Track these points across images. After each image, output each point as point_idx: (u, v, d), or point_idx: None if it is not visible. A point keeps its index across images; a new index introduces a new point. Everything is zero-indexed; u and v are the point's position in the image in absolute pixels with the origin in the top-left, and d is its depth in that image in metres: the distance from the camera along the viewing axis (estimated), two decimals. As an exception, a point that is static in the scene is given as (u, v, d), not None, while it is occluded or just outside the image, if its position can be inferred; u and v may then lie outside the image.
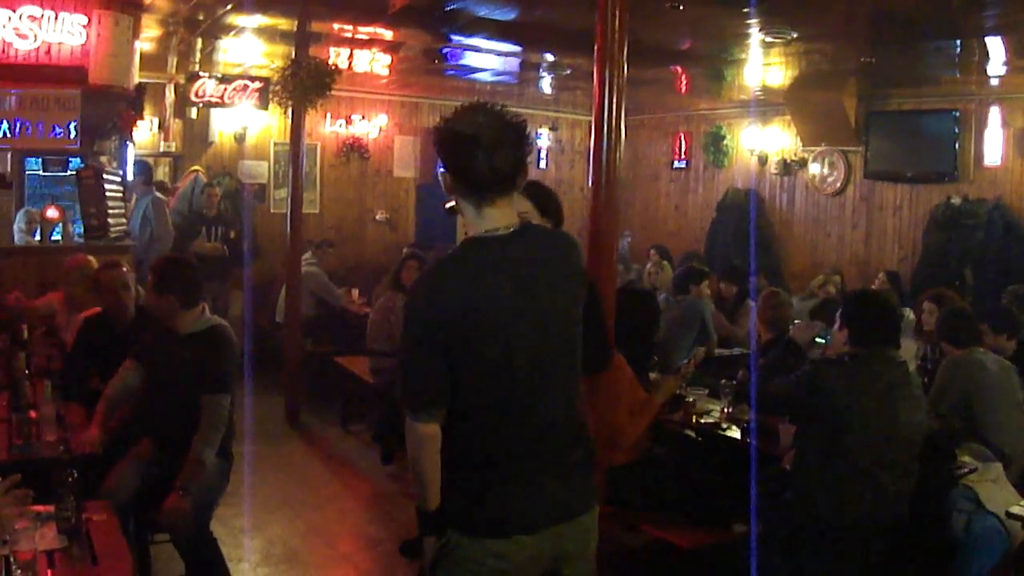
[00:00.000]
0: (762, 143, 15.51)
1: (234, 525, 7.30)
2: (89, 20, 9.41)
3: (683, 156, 17.20)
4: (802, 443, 5.32)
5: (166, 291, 5.74)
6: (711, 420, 6.68)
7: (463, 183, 3.41)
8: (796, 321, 8.10)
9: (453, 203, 3.49)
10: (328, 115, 15.61)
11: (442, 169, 3.42)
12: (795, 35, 10.08)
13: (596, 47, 5.28)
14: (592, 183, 5.36)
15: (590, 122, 5.62)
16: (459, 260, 3.47)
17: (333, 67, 10.51)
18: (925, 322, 8.60)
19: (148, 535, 5.96)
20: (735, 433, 6.46)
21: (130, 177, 11.62)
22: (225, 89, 13.35)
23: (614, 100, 5.20)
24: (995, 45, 10.13)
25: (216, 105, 13.58)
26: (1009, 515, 5.42)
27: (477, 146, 3.32)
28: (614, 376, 5.49)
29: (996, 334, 7.96)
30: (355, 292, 13.19)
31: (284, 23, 10.65)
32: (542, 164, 17.38)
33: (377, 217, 16.25)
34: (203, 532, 5.70)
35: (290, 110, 10.65)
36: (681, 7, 8.69)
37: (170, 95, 13.73)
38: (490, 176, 3.36)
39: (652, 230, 17.19)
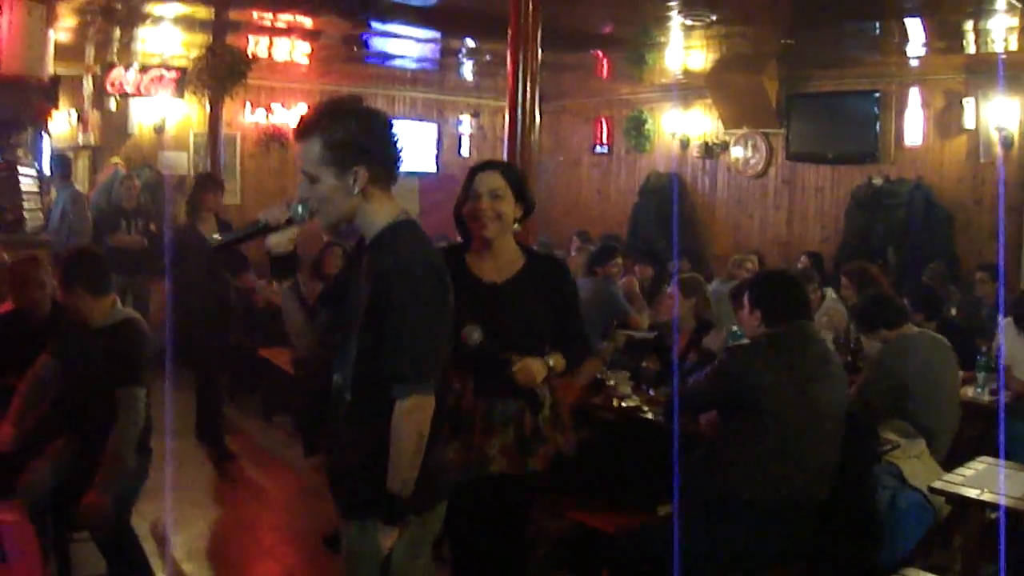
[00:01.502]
0: (684, 127, 15.56)
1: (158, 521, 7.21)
2: (0, 9, 9.20)
3: (605, 141, 17.21)
4: (723, 425, 5.30)
5: (73, 283, 5.64)
6: (632, 403, 6.66)
7: (389, 169, 3.49)
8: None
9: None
10: (248, 105, 15.47)
11: (359, 166, 3.39)
12: (715, 18, 10.11)
13: (510, 32, 5.23)
14: (506, 166, 5.29)
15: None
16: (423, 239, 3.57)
17: (249, 55, 10.41)
18: (846, 297, 8.67)
19: (67, 534, 5.85)
20: (655, 415, 6.42)
21: (47, 170, 11.44)
22: (141, 79, 13.17)
23: (528, 85, 5.15)
24: (915, 26, 10.23)
25: (133, 95, 13.40)
26: (932, 490, 5.44)
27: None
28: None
29: (915, 311, 8.05)
30: (276, 284, 13.04)
31: (202, 11, 10.52)
32: (464, 151, 17.37)
33: (299, 207, 16.10)
34: (123, 529, 5.60)
35: (207, 100, 10.54)
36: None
37: (88, 86, 13.47)
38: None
39: (575, 216, 17.20)
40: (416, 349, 3.39)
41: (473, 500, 4.25)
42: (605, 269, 9.20)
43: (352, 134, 3.37)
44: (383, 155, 3.47)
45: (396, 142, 3.50)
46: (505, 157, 5.36)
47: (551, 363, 4.45)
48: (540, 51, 5.22)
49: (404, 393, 3.36)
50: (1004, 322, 7.96)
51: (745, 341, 5.59)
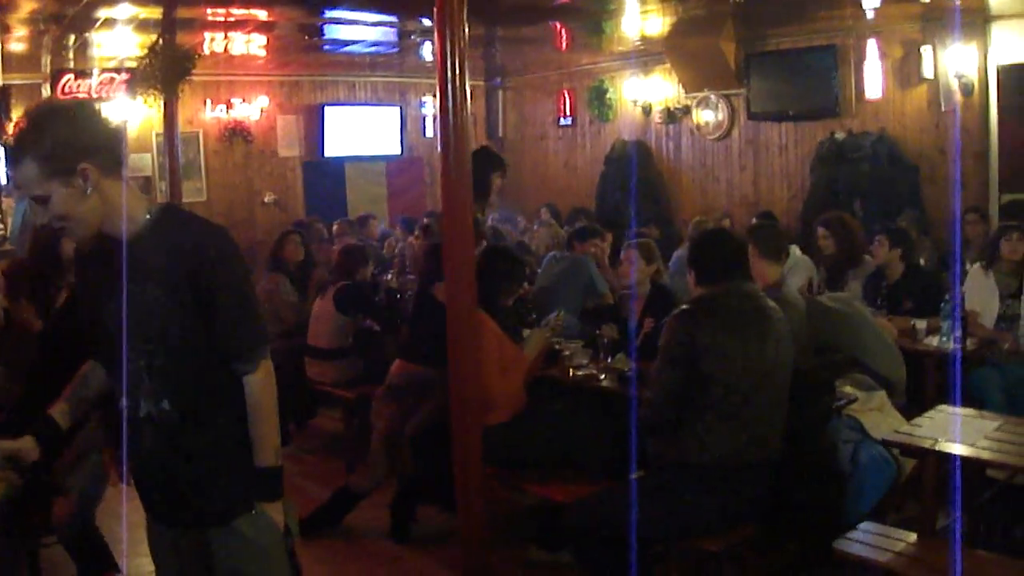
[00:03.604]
0: (645, 93, 15.51)
1: (131, 519, 7.15)
2: (-59, 25, 9.14)
3: (568, 113, 17.17)
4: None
5: (16, 294, 5.63)
6: (587, 372, 6.64)
7: (114, 154, 3.29)
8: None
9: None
10: (208, 101, 15.43)
11: (82, 164, 3.17)
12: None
13: (435, 9, 5.16)
14: (441, 147, 5.24)
15: (434, 85, 5.48)
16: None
17: (192, 51, 10.35)
18: (824, 247, 8.67)
19: (36, 539, 5.82)
20: (611, 383, 6.43)
21: (2, 180, 11.38)
22: (92, 84, 13.09)
23: (456, 61, 5.07)
24: (870, -24, 10.19)
25: (88, 101, 13.26)
26: (886, 442, 5.42)
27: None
28: (478, 335, 5.43)
29: (892, 247, 8.06)
30: (249, 277, 13.01)
31: (154, 12, 10.42)
32: (428, 132, 17.31)
33: (265, 199, 16.12)
34: (88, 528, 5.59)
35: (161, 99, 10.48)
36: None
37: (46, 94, 13.33)
38: None
39: (543, 189, 17.21)
40: (253, 317, 3.38)
41: None
42: (583, 247, 9.18)
43: (61, 136, 3.13)
44: (100, 143, 3.22)
45: (107, 125, 3.30)
46: (438, 137, 5.29)
47: None
48: (467, 27, 5.13)
49: (254, 364, 3.36)
50: (972, 268, 7.93)
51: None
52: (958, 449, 4.95)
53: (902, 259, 8.24)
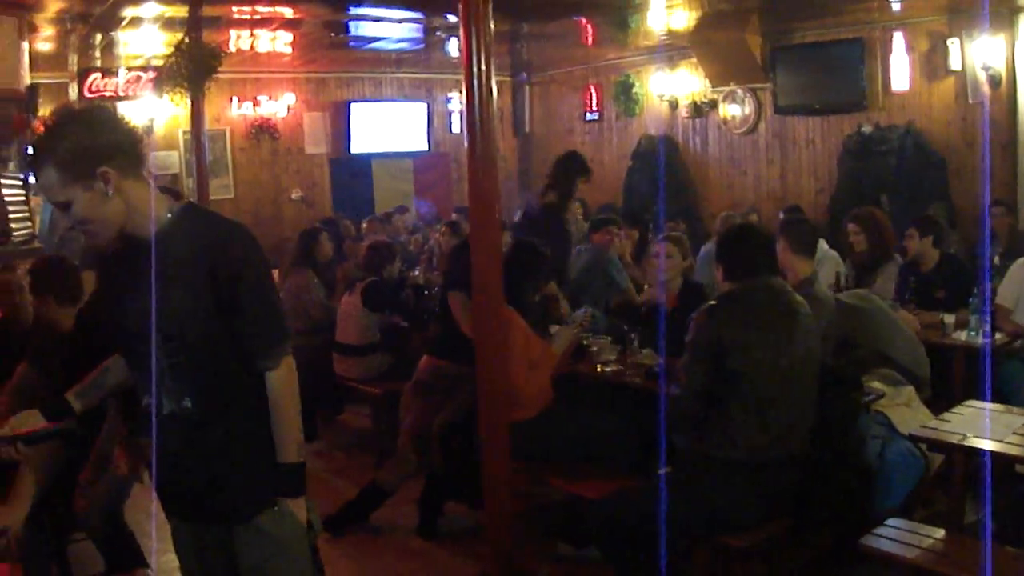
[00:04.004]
0: (671, 88, 15.45)
1: (160, 515, 7.17)
2: (-32, 27, 9.18)
3: (595, 108, 17.12)
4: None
5: (42, 291, 5.66)
6: (615, 368, 6.64)
7: (133, 154, 3.31)
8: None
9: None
10: (235, 98, 15.48)
11: (101, 167, 3.20)
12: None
13: (460, 3, 5.16)
14: (467, 143, 5.24)
15: (460, 81, 5.49)
16: None
17: (219, 49, 10.36)
18: (856, 243, 8.62)
19: (65, 535, 5.86)
20: (639, 379, 6.40)
21: (31, 180, 11.41)
22: (118, 83, 13.15)
23: (482, 57, 5.08)
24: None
25: (114, 99, 13.32)
26: (913, 437, 5.41)
27: None
28: (506, 331, 5.44)
29: (922, 236, 8.02)
30: (276, 273, 13.01)
31: (180, 10, 10.45)
32: (455, 128, 17.35)
33: (292, 196, 16.17)
34: (117, 525, 5.64)
35: (188, 97, 10.50)
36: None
37: (73, 93, 13.42)
38: None
39: (571, 185, 17.16)
40: (275, 313, 3.42)
41: None
42: (599, 236, 9.16)
43: (79, 142, 3.16)
44: (119, 145, 3.24)
45: (125, 127, 3.32)
46: (465, 133, 5.28)
47: None
48: (492, 24, 5.13)
49: (276, 361, 3.38)
50: (1017, 263, 7.81)
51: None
52: (987, 445, 4.94)
53: (935, 246, 8.19)
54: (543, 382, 6.13)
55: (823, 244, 9.14)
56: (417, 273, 10.45)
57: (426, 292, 9.49)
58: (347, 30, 12.73)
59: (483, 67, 5.06)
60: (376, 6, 11.15)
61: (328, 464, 8.53)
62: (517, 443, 5.41)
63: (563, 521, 6.43)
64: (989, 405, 5.57)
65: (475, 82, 5.07)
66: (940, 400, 6.39)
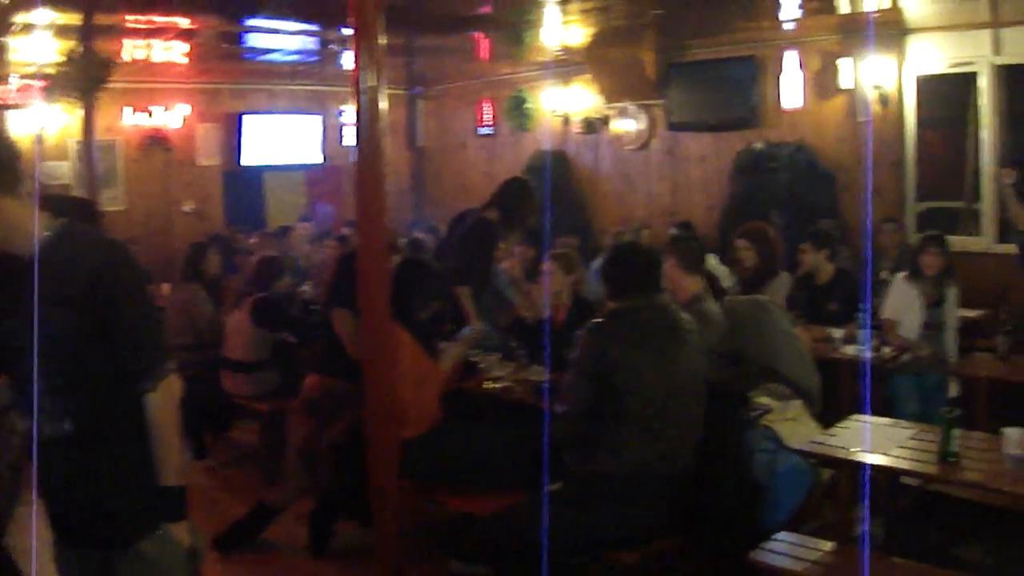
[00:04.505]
0: (565, 103, 15.47)
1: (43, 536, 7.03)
2: None
3: (489, 123, 17.10)
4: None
5: None
6: (503, 384, 6.61)
7: (8, 170, 3.21)
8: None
9: None
10: (127, 108, 15.21)
11: None
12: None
13: (352, 17, 5.11)
14: (356, 156, 5.18)
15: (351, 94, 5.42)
16: None
17: (110, 59, 10.24)
18: (745, 258, 8.67)
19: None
20: (526, 395, 6.43)
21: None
22: (9, 90, 12.90)
23: (371, 69, 5.02)
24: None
25: (4, 107, 13.04)
26: (801, 452, 5.45)
27: None
28: (392, 348, 5.39)
29: (817, 250, 8.10)
30: (165, 287, 12.82)
31: (74, 18, 10.29)
32: (347, 141, 17.20)
33: (184, 208, 15.90)
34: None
35: (78, 106, 10.36)
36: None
37: (-36, 103, 13.18)
38: None
39: (463, 199, 17.04)
40: (153, 336, 3.33)
41: None
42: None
43: None
44: None
45: (3, 140, 3.22)
46: (355, 146, 5.22)
47: None
48: (385, 38, 5.09)
49: (154, 383, 3.29)
50: (897, 278, 7.95)
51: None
52: (870, 458, 4.99)
53: (829, 260, 8.29)
54: (430, 399, 6.08)
55: (712, 259, 9.20)
56: (306, 288, 10.36)
57: (315, 308, 9.40)
58: (241, 41, 12.63)
59: (374, 80, 5.01)
60: (270, 17, 11.03)
61: (217, 481, 8.39)
62: (406, 460, 5.37)
63: (455, 538, 6.38)
64: (875, 419, 5.64)
65: (365, 95, 5.02)
66: (829, 414, 6.45)
